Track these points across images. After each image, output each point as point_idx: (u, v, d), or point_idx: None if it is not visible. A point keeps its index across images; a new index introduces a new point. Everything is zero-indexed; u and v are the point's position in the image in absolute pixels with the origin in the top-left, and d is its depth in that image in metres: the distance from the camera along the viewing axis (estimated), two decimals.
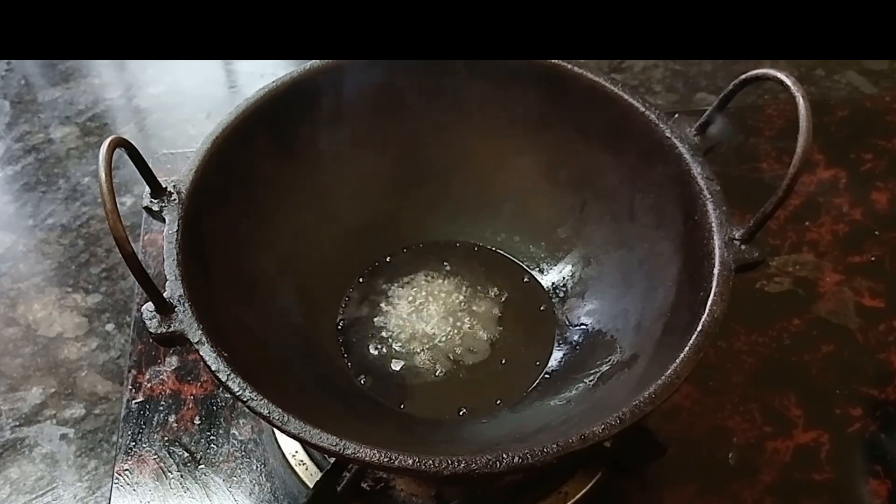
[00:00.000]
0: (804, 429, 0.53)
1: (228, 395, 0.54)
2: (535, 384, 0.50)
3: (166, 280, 0.39)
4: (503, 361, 0.52)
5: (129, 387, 0.55)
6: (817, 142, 0.69)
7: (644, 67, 0.84)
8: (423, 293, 0.54)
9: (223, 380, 0.37)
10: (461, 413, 0.49)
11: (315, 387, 0.47)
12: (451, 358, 0.52)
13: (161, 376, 0.56)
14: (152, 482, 0.51)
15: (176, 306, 0.38)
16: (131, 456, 0.52)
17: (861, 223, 0.65)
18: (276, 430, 0.42)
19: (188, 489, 0.51)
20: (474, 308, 0.54)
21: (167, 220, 0.42)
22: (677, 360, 0.37)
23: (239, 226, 0.47)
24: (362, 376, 0.51)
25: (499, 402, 0.50)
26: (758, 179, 0.67)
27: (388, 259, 0.56)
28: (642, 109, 0.47)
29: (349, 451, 0.35)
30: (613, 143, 0.49)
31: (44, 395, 0.59)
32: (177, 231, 0.41)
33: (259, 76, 0.82)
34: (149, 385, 0.56)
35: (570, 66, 0.49)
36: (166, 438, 0.53)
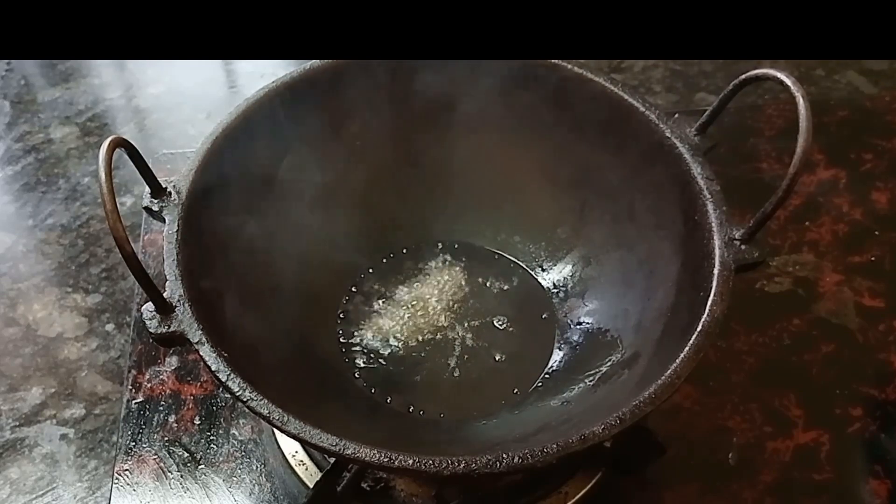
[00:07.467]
0: (804, 429, 0.53)
1: (228, 395, 0.54)
2: (535, 384, 0.50)
3: (166, 280, 0.39)
4: (503, 361, 0.52)
5: (129, 387, 0.55)
6: (817, 142, 0.69)
7: (644, 67, 0.84)
8: (423, 294, 0.54)
9: (223, 380, 0.37)
10: (461, 413, 0.49)
11: (315, 387, 0.47)
12: (452, 358, 0.52)
13: (161, 376, 0.56)
14: (152, 482, 0.51)
15: (176, 306, 0.38)
16: (131, 456, 0.52)
17: (861, 223, 0.65)
18: (276, 430, 0.42)
19: (188, 489, 0.51)
20: (474, 309, 0.54)
21: (167, 220, 0.42)
22: (677, 360, 0.37)
23: (239, 226, 0.47)
24: (362, 376, 0.51)
25: (499, 402, 0.50)
26: (758, 179, 0.67)
27: (388, 259, 0.56)
28: (642, 109, 0.47)
29: (349, 451, 0.35)
30: (613, 143, 0.49)
31: (44, 395, 0.59)
32: (177, 231, 0.41)
33: (259, 76, 0.82)
34: (149, 385, 0.56)
35: (570, 66, 0.49)
36: (166, 438, 0.53)
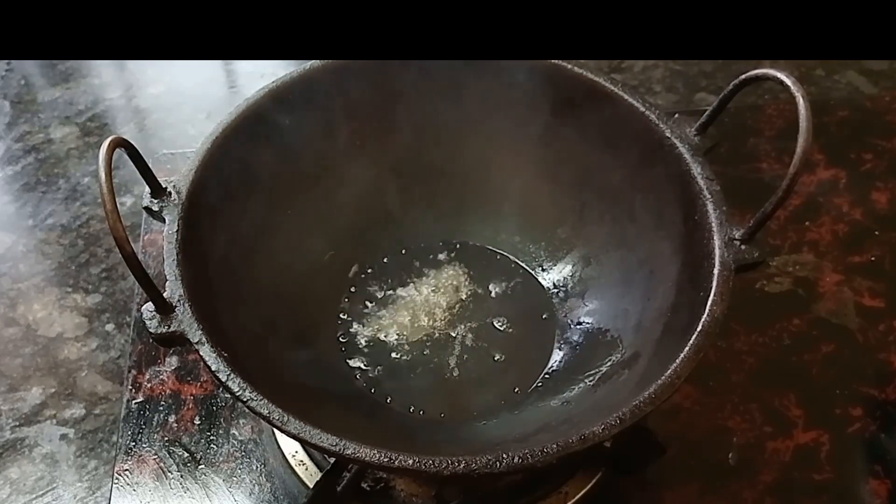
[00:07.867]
0: (804, 429, 0.53)
1: (228, 395, 0.54)
2: (535, 384, 0.50)
3: (166, 280, 0.39)
4: (503, 361, 0.52)
5: (129, 387, 0.55)
6: (817, 142, 0.69)
7: (644, 67, 0.84)
8: (424, 294, 0.54)
9: (223, 380, 0.37)
10: (461, 413, 0.49)
11: (315, 387, 0.47)
12: (452, 358, 0.52)
13: (161, 376, 0.56)
14: (152, 482, 0.51)
15: (176, 306, 0.38)
16: (131, 456, 0.52)
17: (861, 223, 0.65)
18: (276, 430, 0.42)
19: (188, 489, 0.51)
20: (475, 308, 0.54)
21: (167, 220, 0.42)
22: (677, 360, 0.37)
23: (238, 225, 0.47)
24: (362, 376, 0.51)
25: (499, 402, 0.50)
26: (758, 179, 0.67)
27: (388, 259, 0.56)
28: (642, 109, 0.47)
29: (349, 451, 0.35)
30: (613, 143, 0.49)
31: (44, 395, 0.59)
32: (177, 231, 0.41)
33: (259, 76, 0.82)
34: (149, 385, 0.56)
35: (570, 66, 0.49)
36: (166, 438, 0.53)
